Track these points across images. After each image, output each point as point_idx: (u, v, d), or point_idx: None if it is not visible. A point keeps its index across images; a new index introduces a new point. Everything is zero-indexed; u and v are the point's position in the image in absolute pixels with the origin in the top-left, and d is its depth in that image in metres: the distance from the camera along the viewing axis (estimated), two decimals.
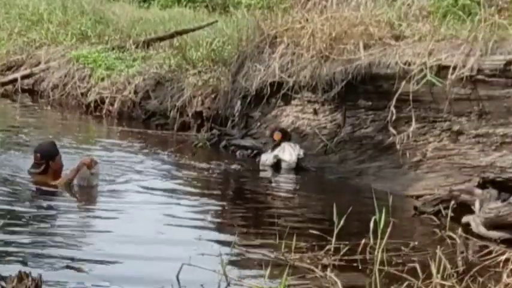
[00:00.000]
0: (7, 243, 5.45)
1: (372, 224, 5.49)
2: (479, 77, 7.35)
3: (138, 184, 7.69)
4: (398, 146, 7.96)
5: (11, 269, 4.57)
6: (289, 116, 9.49)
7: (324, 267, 5.25)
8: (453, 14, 8.35)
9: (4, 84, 13.77)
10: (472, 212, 6.75)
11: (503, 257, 5.37)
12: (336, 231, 5.45)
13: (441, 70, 7.59)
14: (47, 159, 7.20)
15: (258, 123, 9.87)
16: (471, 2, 8.27)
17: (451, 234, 5.95)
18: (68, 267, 5.07)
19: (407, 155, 8.06)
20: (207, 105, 10.74)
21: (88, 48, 13.39)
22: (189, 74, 11.36)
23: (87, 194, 7.11)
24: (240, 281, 4.91)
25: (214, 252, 5.53)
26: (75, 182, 7.14)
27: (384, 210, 5.52)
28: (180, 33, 12.91)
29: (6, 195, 6.79)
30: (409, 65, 7.83)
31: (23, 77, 13.66)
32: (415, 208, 7.31)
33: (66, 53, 13.59)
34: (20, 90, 13.53)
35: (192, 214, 6.77)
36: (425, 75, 7.57)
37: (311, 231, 6.00)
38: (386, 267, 5.19)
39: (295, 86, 9.17)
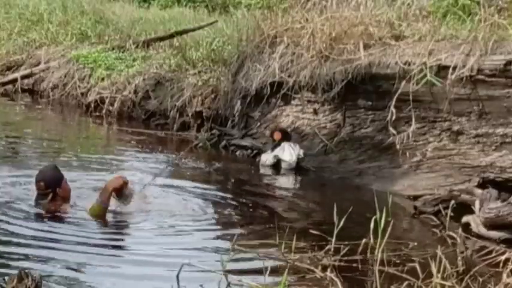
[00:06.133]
0: (7, 244, 5.46)
1: (372, 224, 5.50)
2: (479, 77, 7.35)
3: (136, 184, 7.69)
4: (398, 146, 7.96)
5: (11, 269, 4.58)
6: (289, 116, 9.49)
7: (324, 267, 5.25)
8: (453, 14, 8.35)
9: (4, 84, 13.76)
10: (472, 212, 6.75)
11: (503, 257, 5.38)
12: (336, 231, 5.45)
13: (441, 70, 7.59)
14: (54, 186, 6.39)
15: (258, 123, 9.87)
16: (471, 2, 8.27)
17: (451, 234, 5.95)
18: (67, 267, 5.07)
19: (407, 155, 8.05)
20: (207, 105, 10.74)
21: (88, 48, 13.38)
22: (189, 74, 11.35)
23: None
24: (240, 281, 4.91)
25: (214, 252, 5.54)
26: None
27: (384, 210, 5.53)
28: (180, 33, 12.89)
29: (6, 195, 6.79)
30: (409, 65, 7.83)
31: (23, 77, 13.64)
32: (415, 208, 7.31)
33: (66, 53, 13.57)
34: (20, 90, 13.52)
35: (192, 214, 6.76)
36: (425, 75, 7.57)
37: (311, 231, 6.00)
38: (386, 268, 5.19)
39: (295, 86, 9.16)
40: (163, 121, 11.35)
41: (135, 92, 11.86)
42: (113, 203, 6.27)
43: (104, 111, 12.03)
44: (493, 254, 5.63)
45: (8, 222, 5.96)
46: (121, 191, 6.21)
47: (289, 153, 8.99)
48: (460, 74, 7.41)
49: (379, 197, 5.81)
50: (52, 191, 6.38)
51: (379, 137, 8.44)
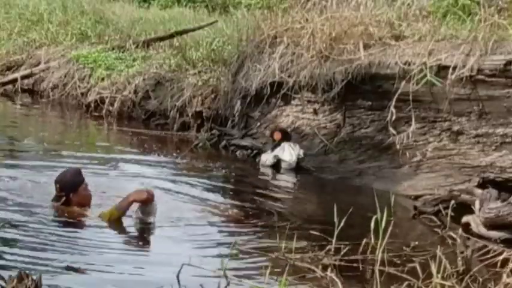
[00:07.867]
0: (8, 243, 5.46)
1: (372, 224, 5.50)
2: (479, 77, 7.35)
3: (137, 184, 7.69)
4: (398, 146, 7.96)
5: (11, 269, 4.58)
6: (289, 116, 9.49)
7: (325, 267, 5.26)
8: (453, 14, 8.35)
9: (4, 84, 13.77)
10: (472, 212, 6.75)
11: (502, 257, 5.38)
12: (336, 232, 5.45)
13: (441, 70, 7.59)
14: (67, 191, 6.29)
15: (258, 123, 9.87)
16: (471, 2, 8.27)
17: (451, 234, 5.95)
18: (67, 267, 5.07)
19: (407, 155, 8.06)
20: (207, 105, 10.74)
21: (88, 48, 13.39)
22: (189, 74, 11.36)
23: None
24: (240, 281, 4.91)
25: (214, 252, 5.54)
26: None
27: (384, 210, 5.53)
28: (180, 33, 12.89)
29: (6, 196, 6.79)
30: (409, 65, 7.83)
31: (23, 77, 13.65)
32: (415, 208, 7.31)
33: (66, 53, 13.58)
34: (20, 90, 13.53)
35: (192, 214, 6.76)
36: (425, 75, 7.57)
37: (311, 231, 6.00)
38: (386, 268, 5.19)
39: (295, 86, 9.17)
40: (163, 121, 11.36)
41: (135, 92, 11.86)
42: (134, 215, 6.17)
43: (104, 111, 12.03)
44: (493, 254, 5.63)
45: (8, 222, 5.95)
46: (143, 205, 6.11)
47: (289, 153, 8.99)
48: (460, 74, 7.41)
49: (379, 197, 5.80)
50: (65, 195, 6.28)
51: (379, 137, 8.44)
